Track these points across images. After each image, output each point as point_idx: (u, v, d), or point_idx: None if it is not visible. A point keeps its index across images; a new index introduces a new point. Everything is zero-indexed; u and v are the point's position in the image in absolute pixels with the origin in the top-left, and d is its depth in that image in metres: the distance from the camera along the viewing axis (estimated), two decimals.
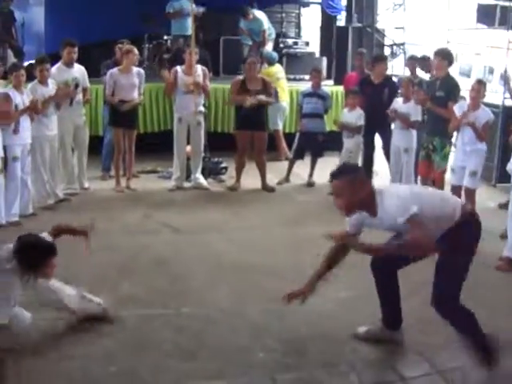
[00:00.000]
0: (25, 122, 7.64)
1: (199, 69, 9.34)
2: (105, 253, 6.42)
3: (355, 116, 9.22)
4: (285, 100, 11.26)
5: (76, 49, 8.71)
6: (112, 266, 6.15)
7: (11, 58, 12.41)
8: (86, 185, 9.22)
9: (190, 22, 12.58)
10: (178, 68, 9.35)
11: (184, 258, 6.42)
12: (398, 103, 8.72)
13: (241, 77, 9.47)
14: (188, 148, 9.51)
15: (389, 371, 4.29)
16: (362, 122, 9.15)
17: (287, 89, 11.50)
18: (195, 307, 5.26)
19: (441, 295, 4.19)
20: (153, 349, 4.56)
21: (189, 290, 5.63)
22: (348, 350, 4.53)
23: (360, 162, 9.09)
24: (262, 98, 9.10)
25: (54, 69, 8.60)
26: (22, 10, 14.74)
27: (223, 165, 10.27)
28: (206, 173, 9.81)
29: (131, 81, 9.08)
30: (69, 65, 8.73)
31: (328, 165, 9.65)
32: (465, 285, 4.18)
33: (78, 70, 8.86)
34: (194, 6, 11.82)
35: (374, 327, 4.67)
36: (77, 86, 8.71)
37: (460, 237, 4.12)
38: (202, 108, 9.41)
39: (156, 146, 10.56)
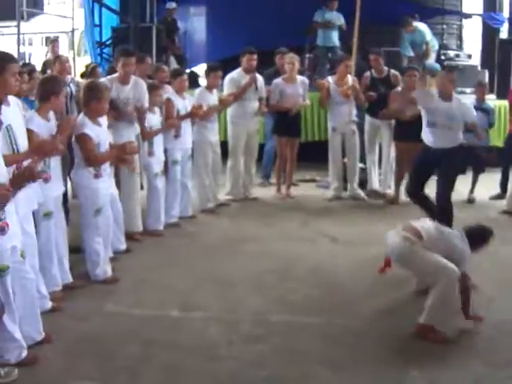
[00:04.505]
0: (186, 127, 7.82)
1: (350, 79, 9.25)
2: (262, 258, 6.56)
3: None
4: None
5: (255, 56, 8.82)
6: (269, 271, 6.21)
7: (174, 65, 12.88)
8: (253, 194, 9.29)
9: (335, 34, 12.64)
10: (330, 78, 9.38)
11: (341, 269, 6.35)
12: None
13: (399, 88, 9.23)
14: (345, 159, 9.46)
15: None
16: None
17: None
18: (349, 319, 5.17)
19: None
20: (304, 356, 4.54)
21: (344, 300, 5.57)
22: None
23: None
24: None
25: (234, 73, 8.84)
26: (184, 20, 15.39)
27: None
28: (364, 184, 9.71)
29: (297, 90, 9.14)
30: (248, 71, 8.84)
31: (490, 181, 9.36)
32: None
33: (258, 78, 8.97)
34: (342, 19, 12.18)
35: None
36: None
37: None
38: (355, 117, 9.34)
39: (315, 155, 10.57)
